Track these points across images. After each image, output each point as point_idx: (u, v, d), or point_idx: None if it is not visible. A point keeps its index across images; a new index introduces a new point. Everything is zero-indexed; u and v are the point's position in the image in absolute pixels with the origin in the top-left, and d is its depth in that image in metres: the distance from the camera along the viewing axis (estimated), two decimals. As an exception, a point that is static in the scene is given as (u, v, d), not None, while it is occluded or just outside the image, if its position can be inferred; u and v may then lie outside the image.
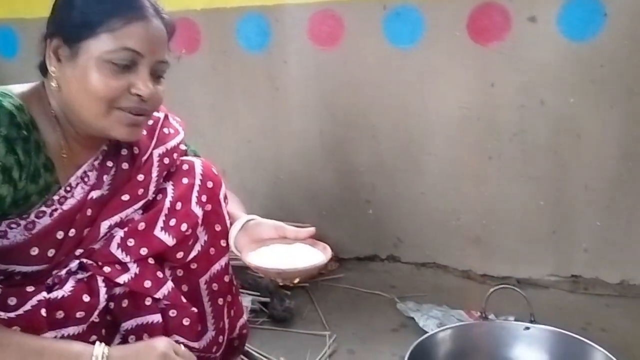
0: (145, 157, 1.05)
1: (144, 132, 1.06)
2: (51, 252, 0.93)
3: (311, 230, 1.07)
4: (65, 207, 0.94)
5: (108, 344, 0.86)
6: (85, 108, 0.91)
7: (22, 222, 0.89)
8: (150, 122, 1.07)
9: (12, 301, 0.89)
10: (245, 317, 1.24)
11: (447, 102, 1.89)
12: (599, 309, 1.79)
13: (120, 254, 0.99)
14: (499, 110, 1.84)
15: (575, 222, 1.87)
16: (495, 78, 1.82)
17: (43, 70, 0.96)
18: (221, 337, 1.14)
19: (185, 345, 1.01)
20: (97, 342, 0.85)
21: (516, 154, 1.86)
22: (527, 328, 1.18)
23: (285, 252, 1.04)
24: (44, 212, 0.91)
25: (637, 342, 1.56)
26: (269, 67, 2.04)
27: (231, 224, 1.13)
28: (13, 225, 0.89)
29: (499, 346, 1.16)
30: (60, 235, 0.94)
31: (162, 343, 0.88)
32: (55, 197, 0.93)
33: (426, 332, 1.64)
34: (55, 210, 0.93)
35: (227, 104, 2.14)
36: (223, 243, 1.12)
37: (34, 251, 0.91)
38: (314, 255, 1.03)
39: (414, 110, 1.92)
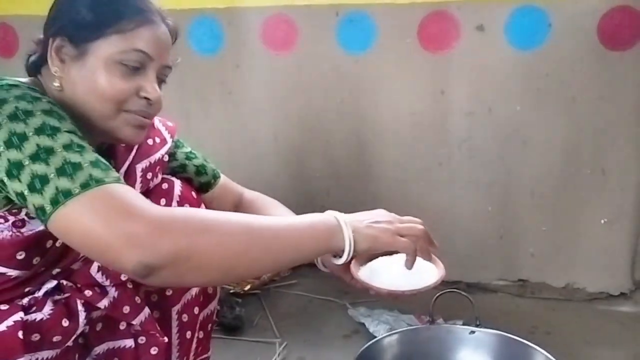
0: (124, 170, 1.01)
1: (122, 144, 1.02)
2: (36, 260, 0.88)
3: None
4: None
5: None
6: (93, 109, 0.88)
7: (11, 218, 0.84)
8: None
9: None
10: (209, 354, 1.20)
11: (398, 109, 1.91)
12: (545, 312, 1.83)
13: (100, 278, 0.94)
14: (448, 117, 1.87)
15: (522, 227, 1.91)
16: (445, 85, 1.85)
17: (34, 68, 0.93)
18: None
19: None
20: (330, 212, 0.90)
21: (465, 161, 1.89)
22: (473, 332, 1.18)
23: (395, 266, 0.96)
24: None
25: (581, 345, 1.61)
26: (221, 70, 2.01)
27: None
28: (1, 220, 0.84)
29: (445, 350, 1.16)
30: (49, 244, 0.89)
31: (381, 210, 0.95)
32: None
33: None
34: None
35: (179, 107, 2.10)
36: None
37: (21, 255, 0.85)
38: (426, 265, 0.97)
39: (367, 116, 1.93)
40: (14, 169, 0.75)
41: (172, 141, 1.13)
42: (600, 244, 1.85)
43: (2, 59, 2.22)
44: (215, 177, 1.20)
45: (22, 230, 0.85)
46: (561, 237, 1.88)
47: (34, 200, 0.75)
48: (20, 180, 0.75)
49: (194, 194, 1.11)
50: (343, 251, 0.87)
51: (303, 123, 2.00)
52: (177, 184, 1.09)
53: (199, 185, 1.17)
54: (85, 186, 0.74)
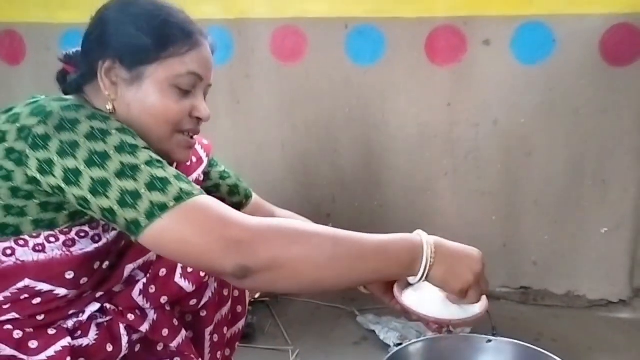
0: None
1: None
2: (83, 280, 0.90)
3: None
4: (109, 236, 0.91)
5: None
6: (149, 131, 0.90)
7: (62, 238, 0.86)
8: None
9: (34, 344, 0.85)
10: None
11: (405, 119, 1.95)
12: (548, 319, 1.88)
13: (141, 301, 0.97)
14: (454, 128, 1.92)
15: (525, 235, 1.96)
16: (451, 97, 1.90)
17: (76, 86, 0.94)
18: None
19: None
20: (419, 234, 0.87)
21: (470, 170, 1.94)
22: (490, 341, 1.21)
23: (438, 291, 0.94)
24: (87, 232, 0.88)
25: (585, 352, 1.66)
26: (230, 80, 2.03)
27: None
28: (52, 239, 0.85)
29: (464, 359, 1.20)
30: (96, 265, 0.91)
31: (479, 256, 0.90)
32: (103, 222, 0.89)
33: (387, 345, 1.69)
34: (99, 235, 0.89)
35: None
36: (225, 292, 1.09)
37: (70, 274, 0.87)
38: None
39: (375, 125, 1.97)
40: (100, 186, 0.77)
41: (208, 160, 1.15)
42: (601, 252, 1.90)
43: (8, 66, 2.22)
44: (247, 196, 1.22)
45: (72, 249, 0.87)
46: (563, 246, 1.94)
47: (126, 214, 0.77)
48: (107, 197, 0.77)
49: None
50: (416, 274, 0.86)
51: (310, 132, 2.03)
52: None
53: (231, 204, 1.18)
54: (178, 199, 0.77)
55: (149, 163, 0.79)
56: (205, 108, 0.95)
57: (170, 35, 0.89)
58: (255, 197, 1.24)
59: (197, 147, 1.14)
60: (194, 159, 1.12)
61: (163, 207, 0.76)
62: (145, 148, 0.82)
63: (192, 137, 0.96)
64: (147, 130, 0.90)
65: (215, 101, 2.07)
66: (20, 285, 0.85)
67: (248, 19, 1.97)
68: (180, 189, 0.78)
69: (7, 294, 0.85)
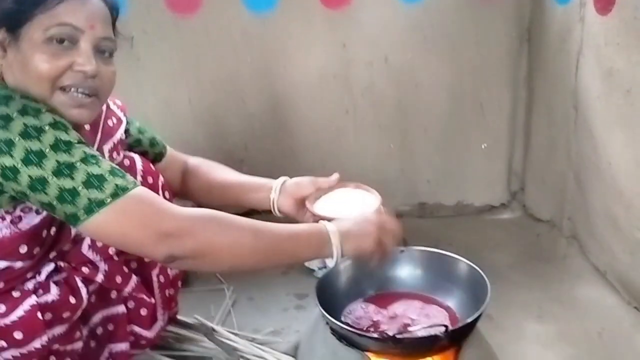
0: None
1: (87, 127, 1.07)
2: (36, 250, 0.95)
3: (337, 175, 1.25)
4: None
5: (82, 337, 0.97)
6: (32, 91, 0.90)
7: (8, 217, 0.90)
8: None
9: (2, 308, 0.92)
10: (178, 307, 1.33)
11: (305, 63, 2.06)
12: (444, 227, 2.17)
13: (91, 255, 1.04)
14: (350, 68, 2.07)
15: (418, 159, 2.21)
16: (345, 39, 2.04)
17: None
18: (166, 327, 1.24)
19: (140, 335, 1.12)
20: (323, 223, 1.03)
21: (367, 106, 2.12)
22: (402, 251, 1.43)
23: (344, 199, 1.18)
24: (30, 207, 0.92)
25: (478, 251, 1.93)
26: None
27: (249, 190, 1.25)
28: None
29: (385, 268, 1.40)
30: (44, 233, 0.96)
31: (374, 220, 1.06)
32: None
33: (312, 270, 1.88)
34: None
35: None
36: None
37: (23, 248, 0.92)
38: (368, 196, 1.22)
39: (277, 72, 2.06)
40: (39, 184, 0.82)
41: (126, 119, 1.20)
42: (482, 165, 2.21)
43: None
44: (165, 147, 1.30)
45: (20, 225, 0.93)
46: (450, 164, 2.21)
47: (65, 209, 0.83)
48: (46, 194, 0.83)
49: (152, 166, 1.21)
50: (331, 256, 1.02)
51: (215, 84, 2.08)
52: (138, 160, 1.18)
53: (154, 156, 1.27)
54: (114, 195, 0.85)
55: (84, 160, 0.85)
56: (89, 61, 0.91)
57: None
58: (169, 148, 1.32)
59: (114, 107, 1.19)
60: (115, 120, 1.17)
61: (100, 204, 0.84)
62: (79, 142, 0.87)
63: (85, 95, 0.93)
64: (30, 90, 0.90)
65: (115, 60, 2.05)
66: None
67: (138, -29, 1.95)
68: (116, 185, 0.85)
69: None
